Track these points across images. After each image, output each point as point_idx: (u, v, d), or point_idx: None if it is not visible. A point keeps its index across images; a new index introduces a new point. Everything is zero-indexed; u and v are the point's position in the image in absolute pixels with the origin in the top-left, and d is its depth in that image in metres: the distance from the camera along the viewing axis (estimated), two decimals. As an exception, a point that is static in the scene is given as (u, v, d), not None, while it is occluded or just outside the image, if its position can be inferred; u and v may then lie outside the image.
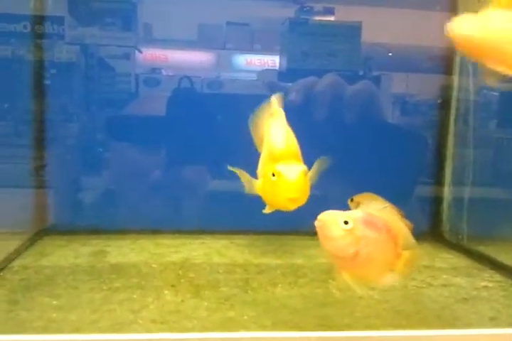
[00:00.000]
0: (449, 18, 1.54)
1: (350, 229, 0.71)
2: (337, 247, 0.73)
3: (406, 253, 0.78)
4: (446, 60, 1.52)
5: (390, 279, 0.79)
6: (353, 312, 0.90)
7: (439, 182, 1.52)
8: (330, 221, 0.72)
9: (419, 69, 1.78)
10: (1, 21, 1.56)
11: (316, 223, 0.73)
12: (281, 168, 0.80)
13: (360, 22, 1.63)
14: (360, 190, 1.55)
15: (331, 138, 1.46)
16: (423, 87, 1.76)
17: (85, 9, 1.60)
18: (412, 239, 0.80)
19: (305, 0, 1.76)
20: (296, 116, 1.45)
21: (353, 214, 0.74)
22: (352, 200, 1.11)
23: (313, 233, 1.41)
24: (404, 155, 1.52)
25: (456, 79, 1.49)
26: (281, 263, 1.17)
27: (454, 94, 1.50)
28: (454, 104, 1.50)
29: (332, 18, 1.74)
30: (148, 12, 1.64)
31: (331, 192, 1.44)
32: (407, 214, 1.48)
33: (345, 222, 0.71)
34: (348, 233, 0.71)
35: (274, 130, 0.89)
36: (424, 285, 1.05)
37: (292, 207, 0.81)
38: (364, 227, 0.73)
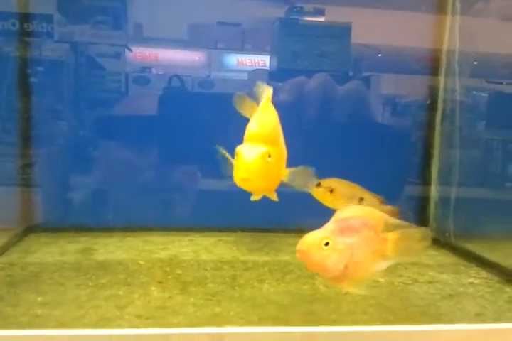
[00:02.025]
0: (436, 20, 1.56)
1: (333, 246, 0.72)
2: (327, 269, 0.73)
3: (391, 235, 0.78)
4: (433, 61, 1.54)
5: (383, 265, 0.80)
6: (340, 308, 0.90)
7: (425, 181, 1.54)
8: (310, 247, 0.72)
9: (407, 70, 1.79)
10: None
11: (297, 254, 0.74)
12: (241, 148, 0.79)
13: (350, 23, 1.64)
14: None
15: (321, 138, 1.47)
16: (411, 88, 1.77)
17: (75, 7, 1.60)
18: (394, 219, 0.80)
19: (295, 0, 1.77)
20: (286, 116, 1.47)
21: (327, 229, 0.74)
22: (319, 185, 1.10)
23: (299, 230, 1.44)
24: (391, 154, 1.53)
25: (442, 80, 1.51)
26: (268, 260, 1.17)
27: (441, 94, 1.51)
28: (440, 104, 1.51)
29: (322, 19, 1.75)
30: (138, 11, 1.63)
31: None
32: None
33: (326, 244, 0.72)
34: (330, 251, 0.72)
35: (255, 113, 0.88)
36: (411, 282, 1.06)
37: (246, 187, 0.79)
38: (343, 237, 0.73)
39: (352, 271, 0.75)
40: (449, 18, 1.44)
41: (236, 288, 0.98)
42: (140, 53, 1.79)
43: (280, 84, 1.52)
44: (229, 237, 1.36)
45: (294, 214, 1.45)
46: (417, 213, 1.52)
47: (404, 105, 1.80)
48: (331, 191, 1.08)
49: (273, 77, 1.68)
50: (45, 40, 1.54)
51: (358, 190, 1.10)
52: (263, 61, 1.83)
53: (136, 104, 1.59)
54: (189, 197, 1.54)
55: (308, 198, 1.47)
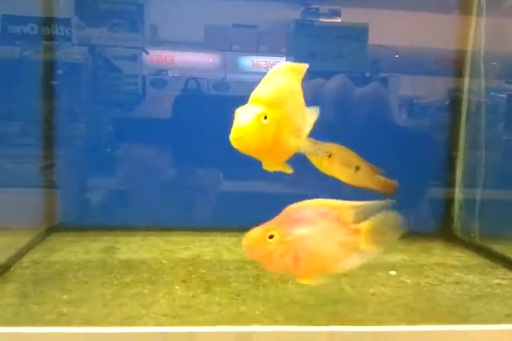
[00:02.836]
0: (459, 20, 1.54)
1: (279, 239, 0.70)
2: (274, 262, 0.71)
3: (363, 226, 0.74)
4: (456, 62, 1.52)
5: (356, 258, 0.76)
6: (366, 308, 0.89)
7: (449, 183, 1.51)
8: (257, 241, 0.70)
9: (429, 71, 1.77)
10: (9, 23, 1.57)
11: (245, 248, 0.72)
12: (238, 109, 0.75)
13: (367, 24, 1.63)
14: (368, 192, 1.55)
15: (339, 140, 1.45)
16: (433, 89, 1.75)
17: (92, 10, 1.61)
18: (363, 204, 0.75)
19: (311, 2, 1.76)
20: None
21: (276, 222, 0.72)
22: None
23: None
24: (413, 156, 1.51)
25: (466, 80, 1.49)
26: (291, 261, 1.16)
27: (465, 95, 1.49)
28: (464, 105, 1.49)
29: (338, 20, 1.74)
30: (154, 13, 1.64)
31: (337, 192, 1.43)
32: (419, 215, 1.49)
33: (271, 236, 0.70)
34: (278, 244, 0.70)
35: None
36: (437, 283, 1.04)
37: (238, 147, 0.74)
38: (293, 228, 0.71)
39: (306, 263, 0.71)
40: (473, 18, 1.42)
41: (260, 287, 0.97)
42: (156, 56, 1.80)
43: None
44: (250, 237, 1.35)
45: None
46: (441, 214, 1.49)
47: (425, 106, 1.77)
48: (329, 156, 1.04)
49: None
50: (64, 44, 1.56)
51: (355, 159, 1.06)
52: (278, 63, 1.82)
53: (156, 105, 1.60)
54: (210, 198, 1.55)
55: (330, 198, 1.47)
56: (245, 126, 0.71)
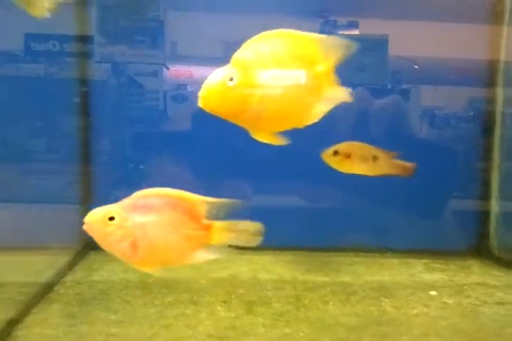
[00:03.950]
0: (490, 30, 1.52)
1: (119, 222, 0.67)
2: (110, 245, 0.68)
3: (217, 224, 0.71)
4: (487, 72, 1.51)
5: (204, 254, 0.72)
6: (411, 329, 0.89)
7: (483, 196, 1.49)
8: (96, 221, 0.68)
9: (458, 81, 1.76)
10: (34, 41, 1.61)
11: (84, 226, 0.68)
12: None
13: (387, 35, 1.63)
14: (389, 206, 1.54)
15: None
16: (460, 100, 1.74)
17: (114, 28, 1.65)
18: (223, 208, 0.73)
19: (329, 14, 1.78)
20: (320, 132, 1.47)
21: (120, 205, 0.69)
22: (336, 153, 1.02)
23: (356, 250, 1.42)
24: (441, 169, 1.50)
25: (499, 91, 1.47)
26: (328, 281, 1.16)
27: (498, 106, 1.47)
28: (498, 116, 1.47)
29: (357, 32, 1.75)
30: (174, 29, 1.67)
31: (359, 207, 1.44)
32: (452, 231, 1.48)
33: (111, 218, 0.67)
34: (117, 227, 0.67)
35: None
36: (479, 303, 1.03)
37: (202, 105, 0.70)
38: (136, 214, 0.68)
39: (144, 251, 0.68)
40: (505, 28, 1.42)
41: (301, 308, 0.98)
42: (175, 71, 1.83)
43: None
44: (285, 256, 1.36)
45: (348, 233, 1.44)
46: (475, 230, 1.47)
47: (455, 117, 1.76)
48: (348, 156, 1.03)
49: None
50: (87, 61, 1.59)
51: (370, 150, 1.05)
52: (297, 76, 1.84)
53: (180, 120, 1.62)
54: (243, 215, 1.55)
55: (364, 216, 1.46)
56: (209, 85, 0.70)
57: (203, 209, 0.71)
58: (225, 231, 0.72)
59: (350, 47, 0.74)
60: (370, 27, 1.71)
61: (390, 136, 1.44)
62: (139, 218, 0.68)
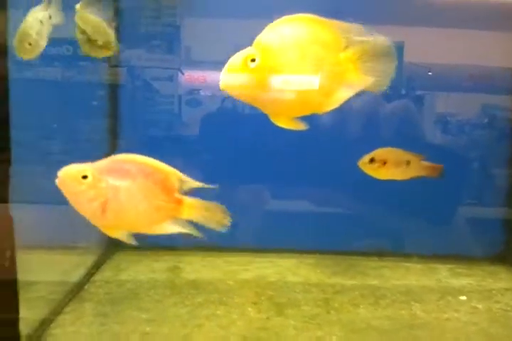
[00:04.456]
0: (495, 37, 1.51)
1: (92, 182, 0.66)
2: (79, 204, 0.67)
3: (188, 200, 0.70)
4: (502, 79, 1.51)
5: (172, 226, 0.71)
6: (443, 334, 0.89)
7: (509, 202, 1.48)
8: (69, 177, 0.66)
9: (468, 88, 1.75)
10: (49, 45, 1.63)
11: (57, 181, 0.67)
12: None
13: (403, 42, 1.63)
14: (412, 211, 1.54)
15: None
16: (472, 106, 1.73)
17: (132, 33, 1.66)
18: (195, 184, 0.71)
19: (343, 20, 1.78)
20: (331, 135, 1.47)
21: (95, 165, 0.69)
22: (373, 160, 1.02)
23: (380, 254, 1.42)
24: (467, 176, 1.50)
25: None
26: (356, 284, 1.16)
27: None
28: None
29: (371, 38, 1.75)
30: (188, 34, 1.68)
31: (382, 212, 1.44)
32: (478, 237, 1.47)
33: (84, 177, 0.66)
34: (89, 187, 0.66)
35: None
36: (509, 309, 1.02)
37: (224, 88, 0.69)
38: (110, 177, 0.68)
39: (113, 215, 0.67)
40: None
41: (331, 311, 0.98)
42: (189, 76, 1.84)
43: None
44: (309, 259, 1.36)
45: (372, 237, 1.44)
46: (502, 236, 1.46)
47: (477, 124, 1.74)
48: (384, 163, 1.04)
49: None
50: (103, 65, 1.61)
51: (404, 155, 1.05)
52: (311, 81, 1.84)
53: (197, 124, 1.63)
54: (261, 218, 1.55)
55: (387, 221, 1.46)
56: (230, 67, 0.68)
57: (176, 183, 0.70)
58: (194, 208, 0.71)
59: (378, 42, 0.73)
60: (384, 33, 1.72)
61: (403, 140, 1.44)
62: (113, 181, 0.67)
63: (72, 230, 1.35)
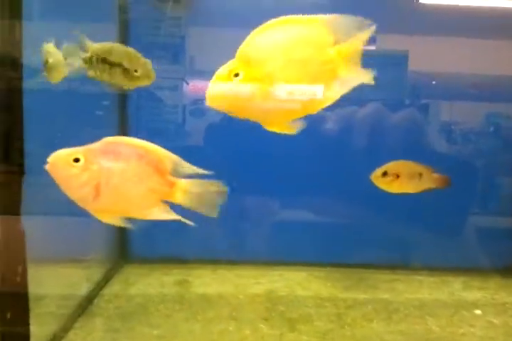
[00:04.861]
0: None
1: (84, 164, 0.64)
2: (71, 187, 0.65)
3: (182, 183, 0.68)
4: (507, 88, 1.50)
5: (164, 213, 0.68)
6: (460, 350, 0.87)
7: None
8: (60, 161, 0.65)
9: (473, 97, 1.75)
10: None
11: (47, 166, 0.65)
12: None
13: (407, 50, 1.63)
14: (422, 224, 1.52)
15: (375, 167, 1.44)
16: (477, 115, 1.72)
17: (138, 43, 1.67)
18: (190, 169, 0.69)
19: None
20: (335, 145, 1.46)
21: (87, 148, 0.66)
22: (386, 174, 1.00)
23: (391, 267, 1.40)
24: (476, 186, 1.49)
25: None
26: (368, 298, 1.14)
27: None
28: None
29: (373, 47, 1.75)
30: (193, 44, 1.68)
31: (393, 224, 1.42)
32: (489, 249, 1.45)
33: (76, 160, 0.64)
34: (82, 170, 0.64)
35: None
36: (525, 324, 1.01)
37: (210, 105, 0.66)
38: (103, 160, 0.66)
39: (106, 198, 0.66)
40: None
41: (345, 326, 0.96)
42: (193, 86, 1.84)
43: (329, 113, 1.50)
44: (319, 272, 1.35)
45: (382, 248, 1.43)
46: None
47: (475, 133, 1.73)
48: (397, 176, 1.02)
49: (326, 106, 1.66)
50: None
51: (416, 167, 1.04)
52: (314, 91, 1.84)
53: (199, 134, 1.62)
54: (271, 230, 1.54)
55: (398, 234, 1.45)
56: (215, 84, 0.67)
57: (169, 165, 0.69)
58: (188, 191, 0.68)
59: (363, 25, 0.68)
60: (387, 42, 1.72)
61: (411, 150, 1.43)
62: (106, 163, 0.66)
63: (81, 243, 1.35)
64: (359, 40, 0.67)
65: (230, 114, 0.70)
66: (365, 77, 0.69)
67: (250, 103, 0.68)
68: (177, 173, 0.68)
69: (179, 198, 0.67)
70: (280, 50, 0.69)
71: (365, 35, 0.67)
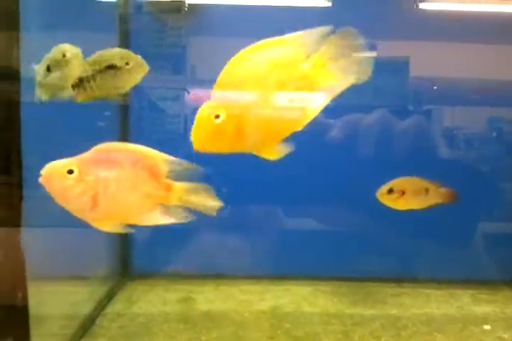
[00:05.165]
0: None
1: (78, 176, 0.63)
2: (68, 199, 0.64)
3: (178, 184, 0.68)
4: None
5: (161, 216, 0.68)
6: (471, 369, 0.85)
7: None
8: (54, 174, 0.64)
9: (476, 102, 1.73)
10: None
11: (41, 179, 0.64)
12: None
13: (408, 56, 1.62)
14: (429, 236, 1.50)
15: (381, 175, 1.43)
16: (481, 120, 1.70)
17: (140, 54, 1.67)
18: (187, 165, 0.70)
19: None
20: (340, 153, 1.45)
21: (80, 158, 0.65)
22: (391, 191, 0.99)
23: (398, 280, 1.38)
24: (476, 195, 1.47)
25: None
26: (376, 314, 1.12)
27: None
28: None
29: (374, 54, 1.74)
30: (194, 54, 1.68)
31: (399, 237, 1.41)
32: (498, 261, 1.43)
33: (70, 171, 0.63)
34: (76, 181, 0.63)
35: None
36: (538, 339, 0.98)
37: (197, 148, 0.69)
38: (97, 169, 0.65)
39: (105, 208, 0.65)
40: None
41: (353, 344, 0.94)
42: (194, 95, 1.84)
43: (332, 120, 1.49)
44: (325, 287, 1.32)
45: (389, 261, 1.41)
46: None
47: (479, 139, 1.71)
48: (403, 193, 1.01)
49: (328, 113, 1.65)
50: None
51: (422, 183, 1.03)
52: (314, 98, 1.83)
53: None
54: (277, 245, 1.52)
55: (405, 246, 1.43)
56: (197, 128, 0.69)
57: (164, 168, 0.68)
58: (184, 193, 0.68)
59: (326, 32, 0.70)
60: (388, 48, 1.71)
61: (419, 158, 1.42)
62: (101, 172, 0.65)
63: (83, 259, 1.33)
64: (327, 47, 0.69)
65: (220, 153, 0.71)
66: (347, 80, 0.70)
67: (237, 138, 0.69)
68: (175, 173, 0.68)
69: (175, 201, 0.67)
70: (255, 78, 0.70)
71: (332, 41, 0.69)
